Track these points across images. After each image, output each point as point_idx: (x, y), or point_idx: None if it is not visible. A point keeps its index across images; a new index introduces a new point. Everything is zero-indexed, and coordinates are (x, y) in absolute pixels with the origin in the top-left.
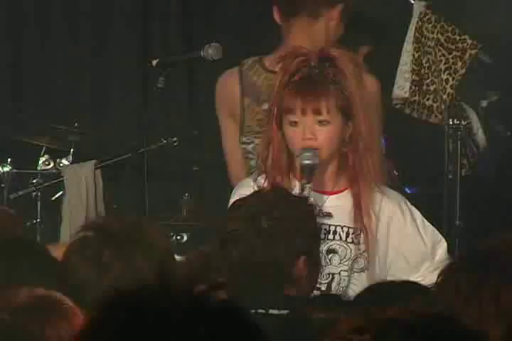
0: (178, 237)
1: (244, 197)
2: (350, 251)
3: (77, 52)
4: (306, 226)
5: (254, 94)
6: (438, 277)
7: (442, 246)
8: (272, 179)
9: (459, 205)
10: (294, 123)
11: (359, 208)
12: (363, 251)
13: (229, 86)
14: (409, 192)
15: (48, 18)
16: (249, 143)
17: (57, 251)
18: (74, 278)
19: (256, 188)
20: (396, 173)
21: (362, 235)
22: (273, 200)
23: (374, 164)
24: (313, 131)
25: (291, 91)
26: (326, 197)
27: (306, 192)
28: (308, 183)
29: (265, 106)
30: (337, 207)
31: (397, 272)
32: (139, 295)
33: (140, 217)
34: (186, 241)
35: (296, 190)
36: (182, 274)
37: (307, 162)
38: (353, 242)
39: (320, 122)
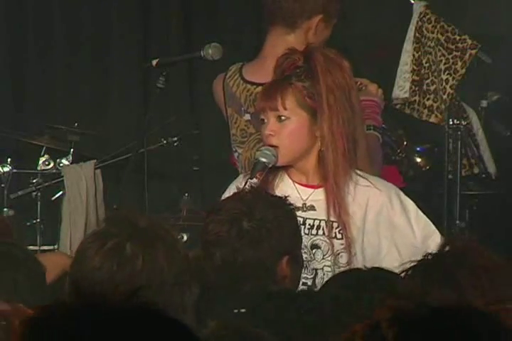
0: (178, 237)
1: (224, 199)
2: (333, 246)
3: (78, 52)
4: (287, 226)
5: (235, 104)
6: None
7: (435, 240)
8: (260, 174)
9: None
10: (262, 121)
11: (333, 204)
12: (347, 246)
13: (216, 93)
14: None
15: (48, 18)
16: (234, 152)
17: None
18: (88, 267)
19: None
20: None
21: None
22: (252, 201)
23: (335, 163)
24: (273, 128)
25: (261, 91)
26: (310, 191)
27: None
28: (252, 179)
29: (247, 116)
30: (320, 200)
31: (393, 263)
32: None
33: (160, 217)
34: (186, 241)
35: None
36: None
37: (262, 159)
38: (335, 237)
39: (279, 118)
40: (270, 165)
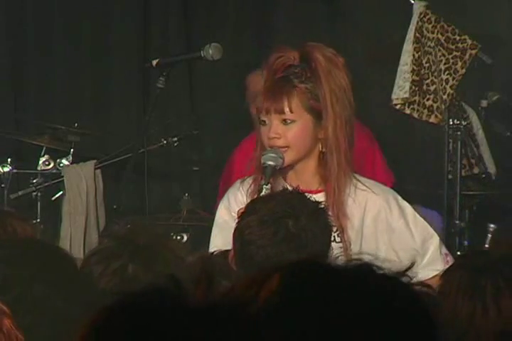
0: (178, 237)
1: (260, 199)
2: (332, 250)
3: (78, 53)
4: (325, 236)
5: None
6: (441, 276)
7: (434, 243)
8: (257, 179)
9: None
10: (264, 122)
11: (332, 207)
12: (346, 249)
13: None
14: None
15: (48, 18)
16: None
17: None
18: (95, 287)
19: (242, 189)
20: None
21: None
22: (298, 207)
23: (339, 166)
24: (278, 131)
25: (262, 91)
26: (310, 196)
27: (262, 194)
28: (266, 184)
29: None
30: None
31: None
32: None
33: (164, 231)
34: (186, 241)
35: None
36: (194, 282)
37: (269, 163)
38: (334, 240)
39: (285, 121)
40: (278, 168)
